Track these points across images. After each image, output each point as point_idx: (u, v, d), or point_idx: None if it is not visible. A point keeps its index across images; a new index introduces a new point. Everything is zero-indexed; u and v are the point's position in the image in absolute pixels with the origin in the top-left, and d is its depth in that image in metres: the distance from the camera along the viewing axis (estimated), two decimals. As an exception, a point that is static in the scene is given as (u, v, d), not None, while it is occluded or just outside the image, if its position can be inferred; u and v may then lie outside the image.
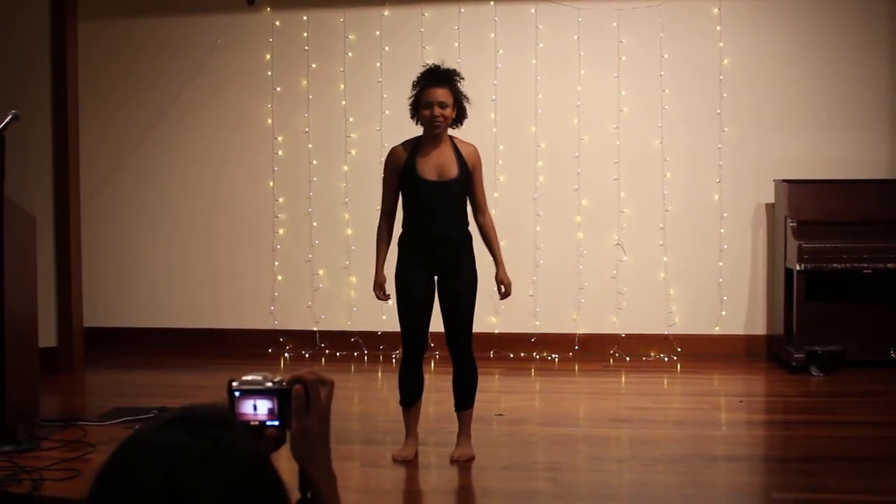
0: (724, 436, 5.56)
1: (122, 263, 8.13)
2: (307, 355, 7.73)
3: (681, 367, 7.31)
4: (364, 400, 6.52)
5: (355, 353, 7.72)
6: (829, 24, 7.47)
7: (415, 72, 7.78)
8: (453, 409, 5.16)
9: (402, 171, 4.96)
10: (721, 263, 7.54)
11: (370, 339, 7.75)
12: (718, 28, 7.49)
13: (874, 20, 7.41)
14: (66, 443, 5.17)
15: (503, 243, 7.57)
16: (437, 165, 4.93)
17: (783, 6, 7.49)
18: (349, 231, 7.83)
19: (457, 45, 7.69)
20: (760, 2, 7.50)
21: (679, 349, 7.53)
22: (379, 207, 5.10)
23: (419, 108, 4.95)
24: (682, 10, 7.53)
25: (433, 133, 4.93)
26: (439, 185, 4.91)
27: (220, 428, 1.23)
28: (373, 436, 5.54)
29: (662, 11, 7.51)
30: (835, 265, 6.84)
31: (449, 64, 5.10)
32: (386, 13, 7.79)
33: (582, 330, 7.63)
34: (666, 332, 7.56)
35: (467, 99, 5.04)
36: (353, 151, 7.84)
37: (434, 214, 4.93)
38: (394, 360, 7.57)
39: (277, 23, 7.89)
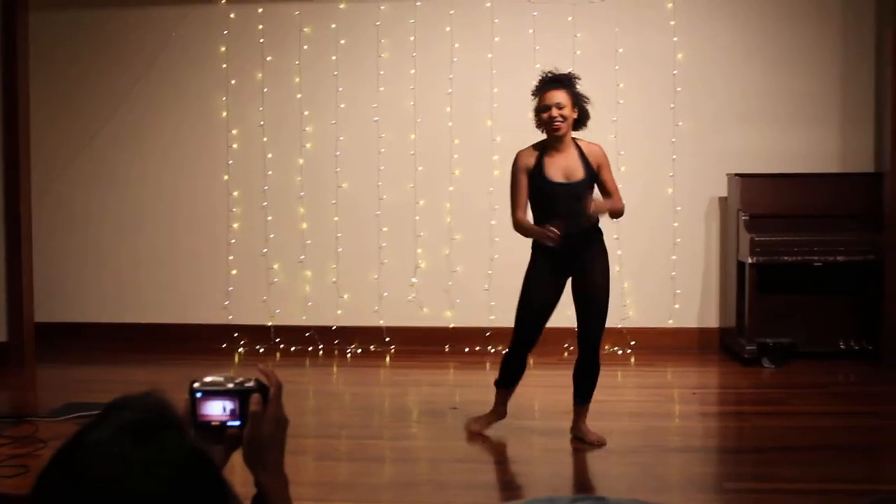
0: (678, 427, 5.61)
1: (74, 258, 8.04)
2: (262, 350, 7.69)
3: (635, 360, 7.36)
4: (319, 394, 6.51)
5: (310, 348, 7.69)
6: (782, 19, 7.54)
7: (371, 65, 7.86)
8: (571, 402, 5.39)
9: (531, 173, 5.10)
10: (674, 257, 7.59)
11: (325, 334, 7.72)
12: (672, 23, 7.54)
13: (827, 16, 7.49)
14: (17, 439, 5.12)
15: (458, 236, 7.67)
16: (564, 168, 5.07)
17: (737, 1, 7.55)
18: (304, 225, 7.80)
19: (413, 38, 7.69)
20: (714, -3, 7.55)
21: (633, 342, 7.57)
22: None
23: (539, 113, 5.10)
24: (636, 5, 7.57)
25: (554, 135, 5.06)
26: (567, 187, 5.03)
27: (164, 428, 1.22)
28: (327, 430, 5.53)
29: (617, 6, 7.55)
30: (786, 258, 6.92)
31: (559, 69, 5.26)
32: (342, 6, 7.76)
33: (537, 323, 7.64)
34: (620, 326, 7.60)
35: (587, 100, 5.16)
36: (308, 145, 7.81)
37: (563, 216, 4.98)
38: (348, 355, 7.55)
39: (232, 15, 7.83)
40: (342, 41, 7.76)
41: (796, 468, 4.74)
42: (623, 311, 7.62)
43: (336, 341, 7.71)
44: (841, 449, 5.08)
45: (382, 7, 7.72)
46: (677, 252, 7.59)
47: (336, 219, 7.76)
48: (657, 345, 7.53)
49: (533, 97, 5.16)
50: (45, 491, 1.18)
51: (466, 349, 7.56)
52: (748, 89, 7.54)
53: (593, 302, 5.15)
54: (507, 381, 5.37)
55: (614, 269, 7.59)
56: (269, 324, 7.81)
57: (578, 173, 5.05)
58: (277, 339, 7.77)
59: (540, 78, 5.20)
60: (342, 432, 5.47)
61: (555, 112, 5.02)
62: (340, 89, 7.75)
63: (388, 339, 7.70)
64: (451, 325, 7.68)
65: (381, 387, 6.75)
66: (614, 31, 7.56)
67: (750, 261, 6.90)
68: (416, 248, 7.72)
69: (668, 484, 4.58)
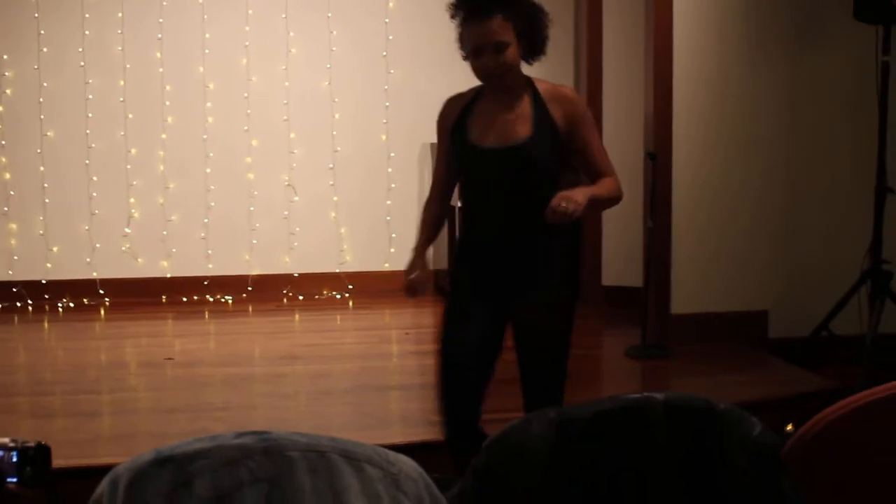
0: (395, 366, 5.82)
1: None
2: (-35, 307, 7.30)
3: (353, 303, 7.53)
4: (30, 351, 6.28)
5: (18, 304, 7.37)
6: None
7: (76, 7, 7.51)
8: None
9: (450, 134, 3.40)
10: (389, 202, 7.78)
11: (34, 289, 7.41)
12: (383, -29, 7.66)
13: None
14: None
15: (172, 185, 7.53)
16: (500, 124, 3.30)
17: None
18: (6, 175, 7.43)
19: (118, -20, 7.44)
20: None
21: (351, 286, 7.73)
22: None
23: (466, 55, 3.37)
24: (348, -48, 7.63)
25: (492, 83, 3.34)
26: (497, 155, 3.27)
27: None
28: (40, 387, 5.35)
29: (328, -47, 7.59)
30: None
31: None
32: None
33: (255, 271, 7.67)
34: (338, 271, 7.74)
35: (541, 14, 3.30)
36: (7, 91, 7.41)
37: (490, 201, 3.33)
38: (60, 309, 7.30)
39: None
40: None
41: (506, 399, 5.03)
42: (341, 255, 7.76)
43: (46, 296, 7.42)
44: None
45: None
46: (392, 197, 7.78)
47: (42, 168, 7.44)
48: (375, 288, 7.72)
49: (452, 17, 3.35)
50: None
51: (185, 298, 7.49)
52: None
53: (528, 356, 3.41)
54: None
55: (330, 214, 7.74)
56: (-28, 280, 7.42)
57: (520, 131, 3.26)
58: (-18, 296, 7.40)
59: None
60: (56, 388, 5.31)
61: (488, 60, 3.23)
62: (42, 32, 7.40)
63: (102, 292, 7.49)
64: (168, 275, 7.57)
65: (96, 340, 6.59)
66: (326, -22, 7.60)
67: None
68: (129, 198, 7.53)
69: (378, 420, 4.75)
